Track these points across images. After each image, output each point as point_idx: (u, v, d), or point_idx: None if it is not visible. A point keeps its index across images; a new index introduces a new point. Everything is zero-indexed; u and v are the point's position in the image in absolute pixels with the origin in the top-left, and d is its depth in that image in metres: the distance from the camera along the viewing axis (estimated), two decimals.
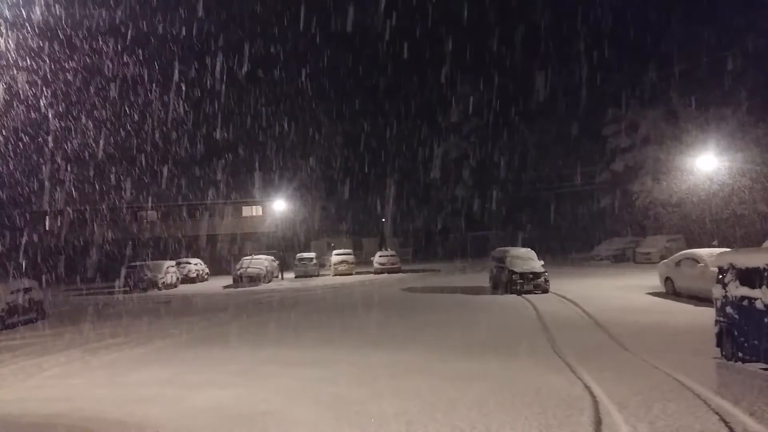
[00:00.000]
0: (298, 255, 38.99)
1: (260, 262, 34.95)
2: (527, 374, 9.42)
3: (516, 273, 21.22)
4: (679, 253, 19.35)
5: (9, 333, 17.46)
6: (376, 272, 36.64)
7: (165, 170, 42.30)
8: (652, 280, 20.48)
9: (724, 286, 9.58)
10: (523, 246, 25.42)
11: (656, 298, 18.29)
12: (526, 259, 22.18)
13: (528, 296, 20.09)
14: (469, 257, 44.16)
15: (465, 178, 53.65)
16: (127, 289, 32.12)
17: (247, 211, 48.75)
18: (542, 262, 22.00)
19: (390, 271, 36.44)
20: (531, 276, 21.13)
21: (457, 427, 7.00)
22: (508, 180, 52.74)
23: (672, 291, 18.52)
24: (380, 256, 38.10)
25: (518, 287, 20.95)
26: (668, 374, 8.90)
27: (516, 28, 48.98)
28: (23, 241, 35.51)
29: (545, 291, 20.84)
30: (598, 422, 6.96)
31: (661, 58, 41.06)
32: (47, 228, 39.79)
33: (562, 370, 9.56)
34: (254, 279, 33.03)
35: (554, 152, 49.72)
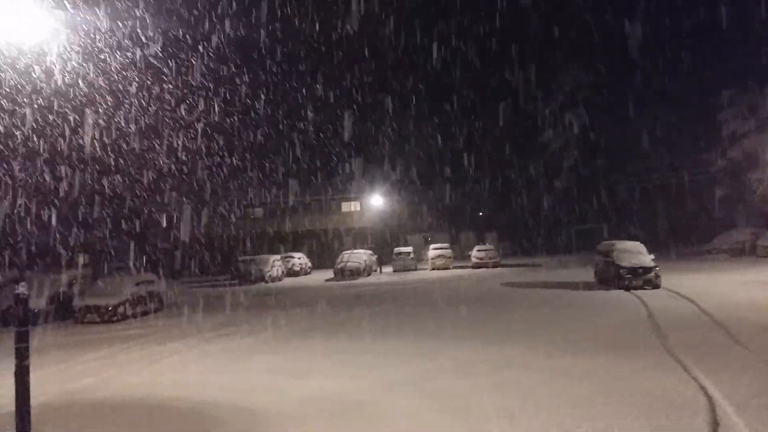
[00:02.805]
0: (396, 249, 39.44)
1: (359, 256, 35.72)
2: (636, 373, 9.02)
3: (624, 267, 20.32)
4: None
5: (133, 322, 18.92)
6: (474, 267, 36.37)
7: (270, 168, 44.14)
8: None
9: None
10: (631, 239, 24.28)
11: None
12: (634, 252, 21.16)
13: (637, 292, 19.19)
14: (572, 251, 42.80)
15: (568, 169, 51.87)
16: (237, 281, 33.89)
17: (346, 206, 49.88)
18: (652, 256, 20.90)
19: (488, 266, 36.04)
20: (640, 271, 20.16)
21: (561, 425, 6.83)
22: (614, 170, 50.42)
23: None
24: (478, 251, 37.76)
25: (626, 282, 20.05)
26: None
27: (621, 10, 46.78)
28: (144, 236, 38.35)
29: (656, 287, 19.81)
30: (714, 424, 6.57)
31: None
32: (164, 224, 42.70)
33: (674, 370, 9.08)
34: (354, 273, 33.82)
35: (664, 140, 47.03)
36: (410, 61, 55.97)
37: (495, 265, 36.11)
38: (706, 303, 15.69)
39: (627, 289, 19.87)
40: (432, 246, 39.50)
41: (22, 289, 6.51)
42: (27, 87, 6.91)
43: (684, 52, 44.66)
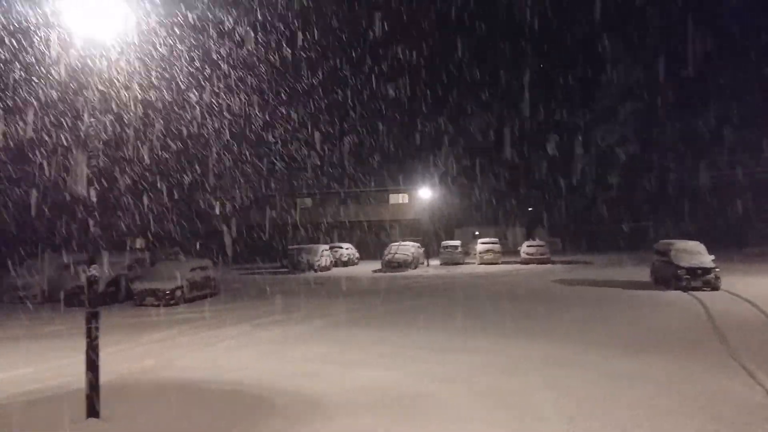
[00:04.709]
0: (444, 242, 39.28)
1: (407, 248, 35.72)
2: (697, 377, 8.74)
3: (682, 268, 19.71)
4: None
5: (188, 307, 19.41)
6: (524, 262, 35.88)
7: (319, 159, 44.56)
8: None
9: None
10: (688, 238, 23.48)
11: None
12: (693, 252, 20.49)
13: (695, 293, 18.60)
14: (625, 249, 41.73)
15: (622, 164, 50.45)
16: (287, 270, 34.43)
17: (394, 198, 49.92)
18: (712, 257, 20.19)
19: (538, 262, 35.50)
20: (699, 271, 19.52)
21: (621, 426, 6.68)
22: (669, 166, 48.80)
23: None
24: (528, 246, 37.24)
25: (684, 283, 19.46)
26: None
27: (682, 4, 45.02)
28: (199, 224, 39.34)
29: (716, 288, 19.15)
30: None
31: None
32: (218, 212, 43.68)
33: (738, 374, 8.77)
34: (401, 264, 33.86)
35: (723, 137, 45.16)
36: (462, 53, 55.28)
37: (545, 262, 35.53)
38: None
39: (685, 290, 19.28)
40: (480, 240, 39.14)
41: (93, 271, 6.75)
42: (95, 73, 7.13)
43: (747, 47, 42.66)
